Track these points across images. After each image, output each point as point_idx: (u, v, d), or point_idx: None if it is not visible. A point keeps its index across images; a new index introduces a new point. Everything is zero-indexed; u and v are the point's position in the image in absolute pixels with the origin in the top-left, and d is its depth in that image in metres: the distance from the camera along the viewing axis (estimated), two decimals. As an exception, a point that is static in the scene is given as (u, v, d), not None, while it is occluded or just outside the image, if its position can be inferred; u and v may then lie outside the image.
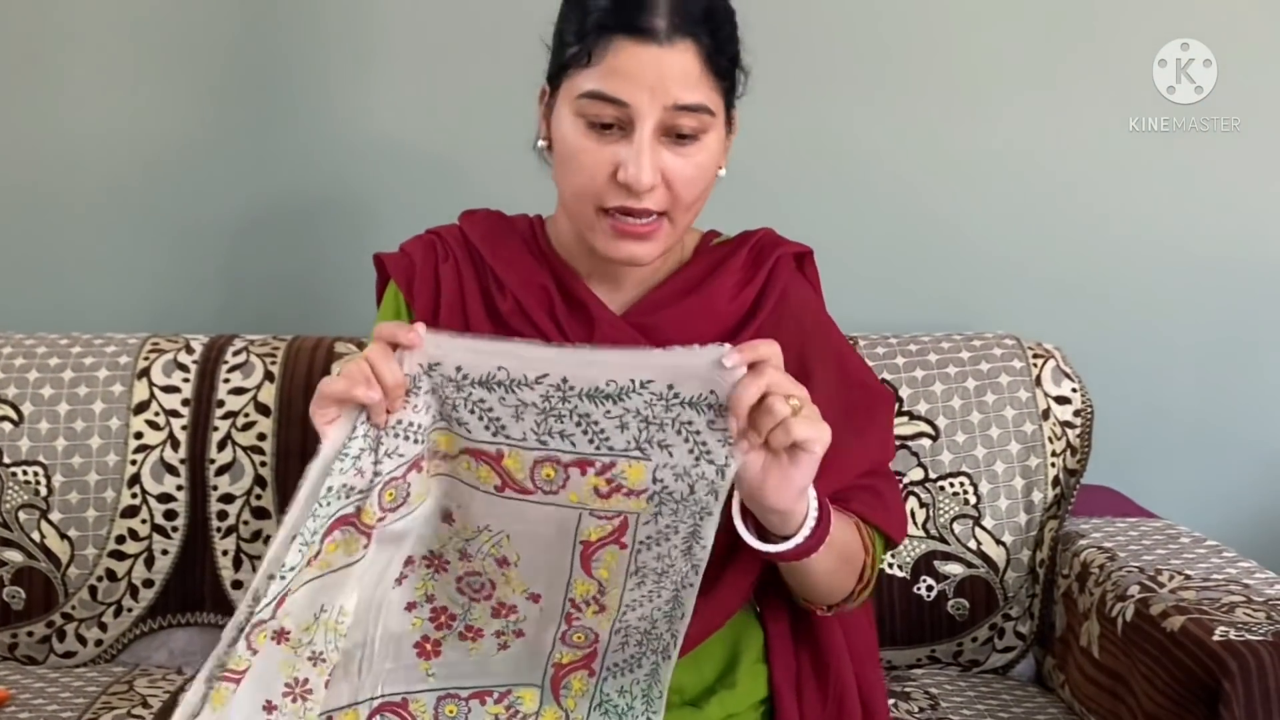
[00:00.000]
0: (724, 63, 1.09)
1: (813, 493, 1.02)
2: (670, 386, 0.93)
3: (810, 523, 1.02)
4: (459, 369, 0.95)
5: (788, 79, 1.78)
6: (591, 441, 0.96)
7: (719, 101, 1.09)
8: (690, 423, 0.95)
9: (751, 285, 1.20)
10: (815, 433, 0.95)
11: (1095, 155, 1.87)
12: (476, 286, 1.19)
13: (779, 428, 0.94)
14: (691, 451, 0.96)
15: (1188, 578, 1.38)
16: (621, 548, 1.00)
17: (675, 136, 1.07)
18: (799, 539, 1.02)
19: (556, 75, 1.11)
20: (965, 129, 1.86)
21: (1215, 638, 1.20)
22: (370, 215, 1.87)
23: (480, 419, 0.96)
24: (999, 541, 1.57)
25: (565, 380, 0.94)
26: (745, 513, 1.03)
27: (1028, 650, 1.61)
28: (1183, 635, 1.23)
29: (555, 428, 0.96)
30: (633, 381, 0.94)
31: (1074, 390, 1.62)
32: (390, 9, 1.84)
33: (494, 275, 1.19)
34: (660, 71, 1.04)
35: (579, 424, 0.95)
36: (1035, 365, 1.63)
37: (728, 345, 0.94)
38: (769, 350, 0.95)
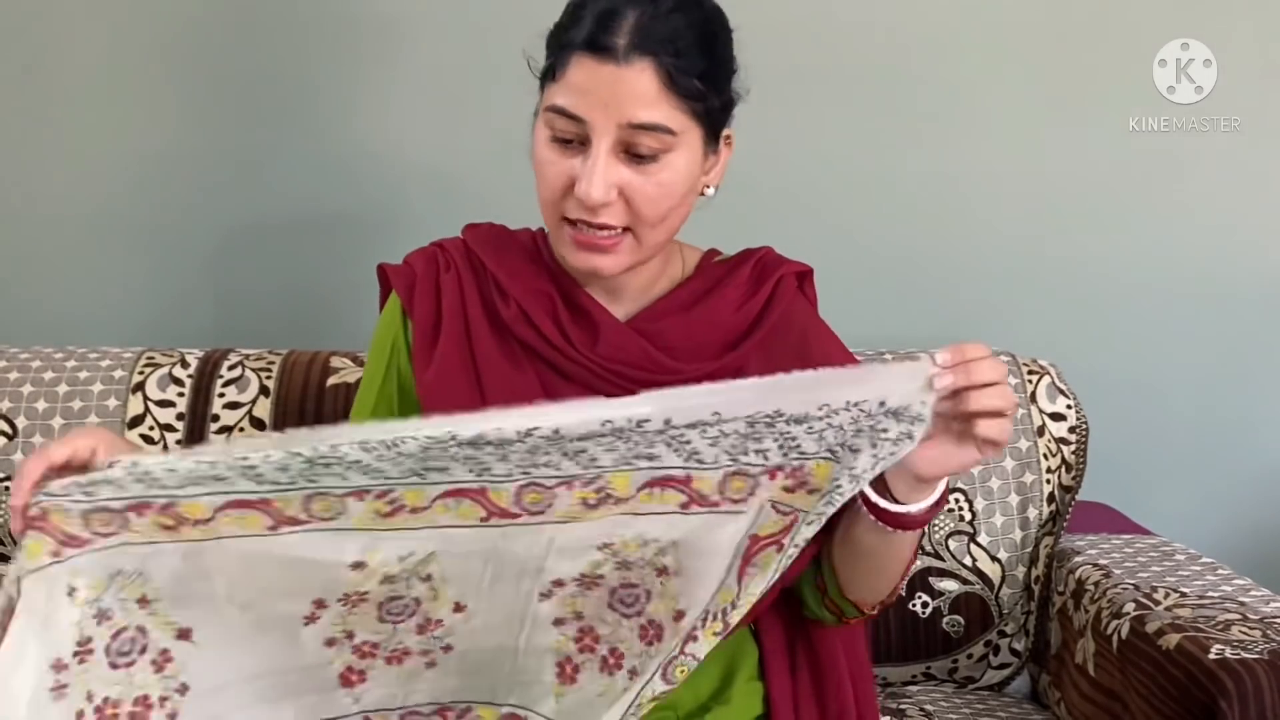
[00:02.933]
0: (691, 83, 1.07)
1: None
2: (882, 403, 0.93)
3: (934, 495, 1.03)
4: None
5: (782, 94, 1.78)
6: (784, 452, 0.96)
7: (685, 121, 1.08)
8: (886, 430, 0.95)
9: (755, 299, 1.21)
10: (1007, 437, 0.97)
11: (1095, 155, 1.87)
12: (478, 295, 1.20)
13: (993, 421, 0.94)
14: (874, 452, 0.96)
15: (1183, 595, 1.38)
16: (779, 549, 0.99)
17: (635, 155, 1.07)
18: (924, 505, 1.03)
19: (540, 90, 1.13)
20: (963, 136, 1.87)
21: (1211, 656, 1.20)
22: (366, 230, 1.87)
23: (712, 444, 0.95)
24: (994, 558, 1.57)
25: (779, 411, 0.93)
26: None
27: (1023, 667, 1.60)
28: (1178, 653, 1.23)
29: (751, 447, 0.95)
30: (847, 403, 0.93)
31: (1069, 407, 1.62)
32: (390, 23, 1.84)
33: (496, 283, 1.20)
34: (615, 90, 1.05)
35: (776, 440, 0.95)
36: (1030, 382, 1.63)
37: (931, 367, 0.93)
38: (977, 352, 0.94)
